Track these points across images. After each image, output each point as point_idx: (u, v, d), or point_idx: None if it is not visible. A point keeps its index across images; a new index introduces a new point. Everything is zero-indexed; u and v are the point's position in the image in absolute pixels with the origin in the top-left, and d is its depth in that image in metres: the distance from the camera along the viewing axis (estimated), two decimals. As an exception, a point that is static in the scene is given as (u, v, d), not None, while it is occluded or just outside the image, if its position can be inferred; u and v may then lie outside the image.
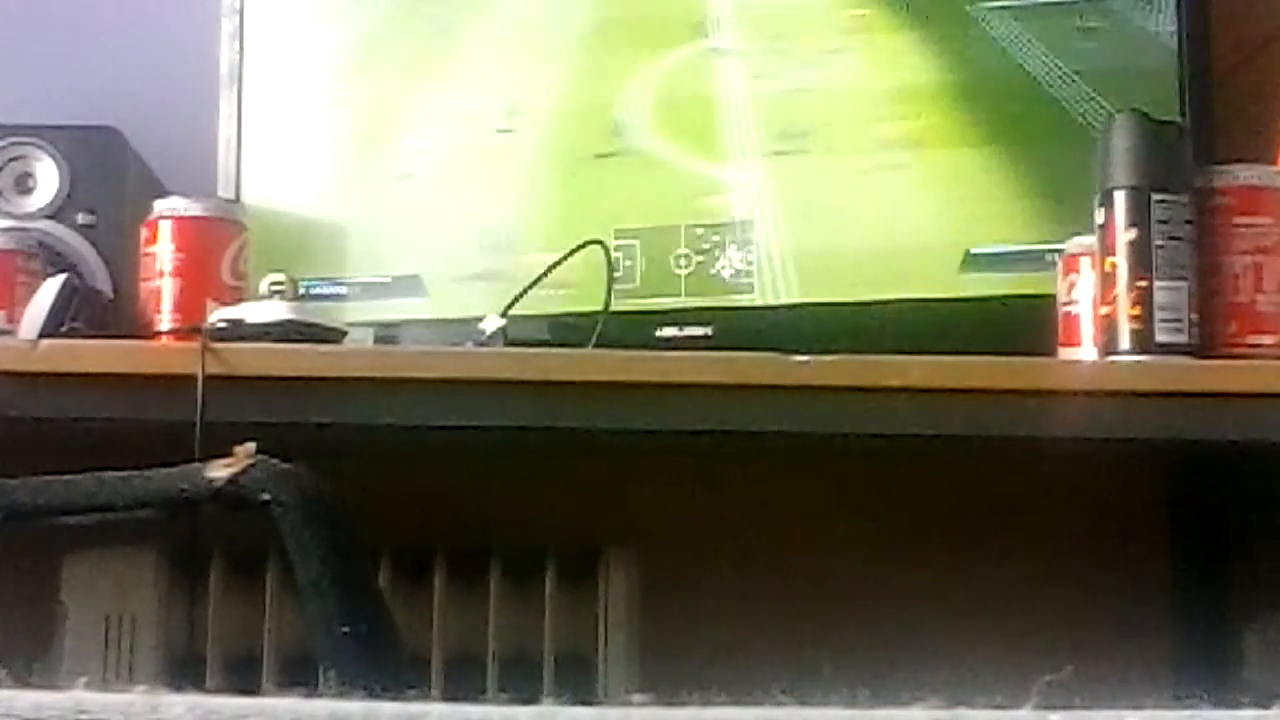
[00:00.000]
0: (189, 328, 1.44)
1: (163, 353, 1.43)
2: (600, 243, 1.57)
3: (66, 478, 1.04)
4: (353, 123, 1.75)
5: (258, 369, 1.34)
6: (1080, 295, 1.47)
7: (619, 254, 1.63)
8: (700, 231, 1.65)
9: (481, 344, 1.49)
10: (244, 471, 0.97)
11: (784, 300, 1.63)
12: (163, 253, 1.52)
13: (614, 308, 1.56)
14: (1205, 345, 1.39)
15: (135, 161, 1.68)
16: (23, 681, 0.49)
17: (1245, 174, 1.44)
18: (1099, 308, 1.43)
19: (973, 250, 1.61)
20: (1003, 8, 1.63)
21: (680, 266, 1.65)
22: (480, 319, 1.51)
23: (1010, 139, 1.62)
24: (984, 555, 1.83)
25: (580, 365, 1.37)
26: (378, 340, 1.66)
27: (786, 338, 1.43)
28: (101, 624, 1.59)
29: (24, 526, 1.08)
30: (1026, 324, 1.51)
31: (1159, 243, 1.39)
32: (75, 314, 1.42)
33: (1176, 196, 1.40)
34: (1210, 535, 1.83)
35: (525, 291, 1.53)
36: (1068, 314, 1.48)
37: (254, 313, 1.42)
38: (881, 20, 1.66)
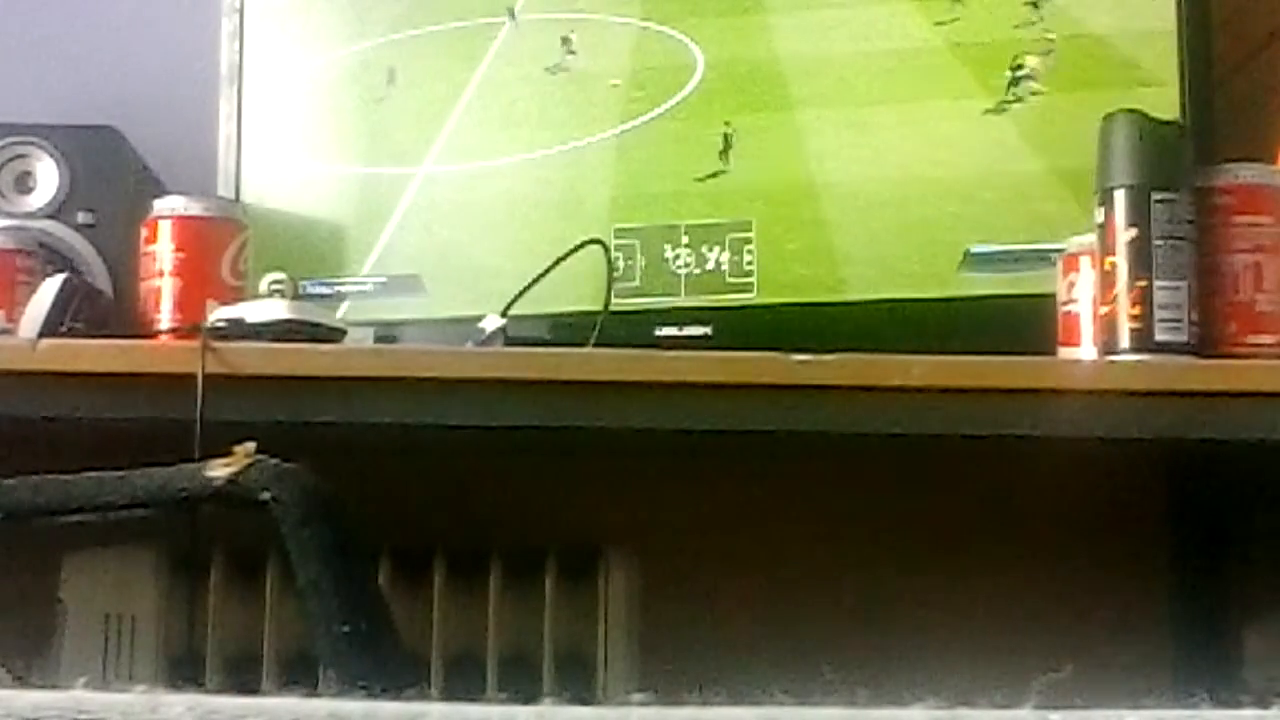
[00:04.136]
0: (189, 327, 1.44)
1: (163, 352, 1.43)
2: (600, 242, 1.57)
3: (66, 478, 1.04)
4: (353, 122, 1.75)
5: (258, 368, 1.34)
6: (1080, 295, 1.47)
7: (619, 253, 1.63)
8: (700, 231, 1.65)
9: (481, 344, 1.49)
10: (244, 471, 0.97)
11: (784, 300, 1.63)
12: (162, 252, 1.52)
13: (614, 307, 1.56)
14: (1205, 345, 1.39)
15: (135, 161, 1.68)
16: (23, 681, 0.49)
17: (1245, 173, 1.44)
18: (1099, 307, 1.43)
19: (973, 250, 1.61)
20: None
21: (680, 266, 1.65)
22: (480, 319, 1.51)
23: (1011, 137, 1.62)
24: (984, 554, 1.83)
25: (580, 365, 1.37)
26: (378, 340, 1.66)
27: (786, 337, 1.43)
28: (101, 624, 1.59)
29: (24, 526, 1.07)
30: (1026, 324, 1.51)
31: (1159, 242, 1.39)
32: (75, 314, 1.42)
33: (1176, 196, 1.40)
34: (1210, 535, 1.83)
35: (525, 291, 1.53)
36: (1068, 314, 1.48)
37: (254, 312, 1.42)
38: (883, 16, 1.67)
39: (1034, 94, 1.62)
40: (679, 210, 1.66)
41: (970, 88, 1.64)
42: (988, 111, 1.63)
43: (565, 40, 1.72)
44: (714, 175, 1.66)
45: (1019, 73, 1.62)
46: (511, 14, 1.73)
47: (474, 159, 1.71)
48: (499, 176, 1.70)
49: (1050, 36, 1.63)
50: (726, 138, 1.66)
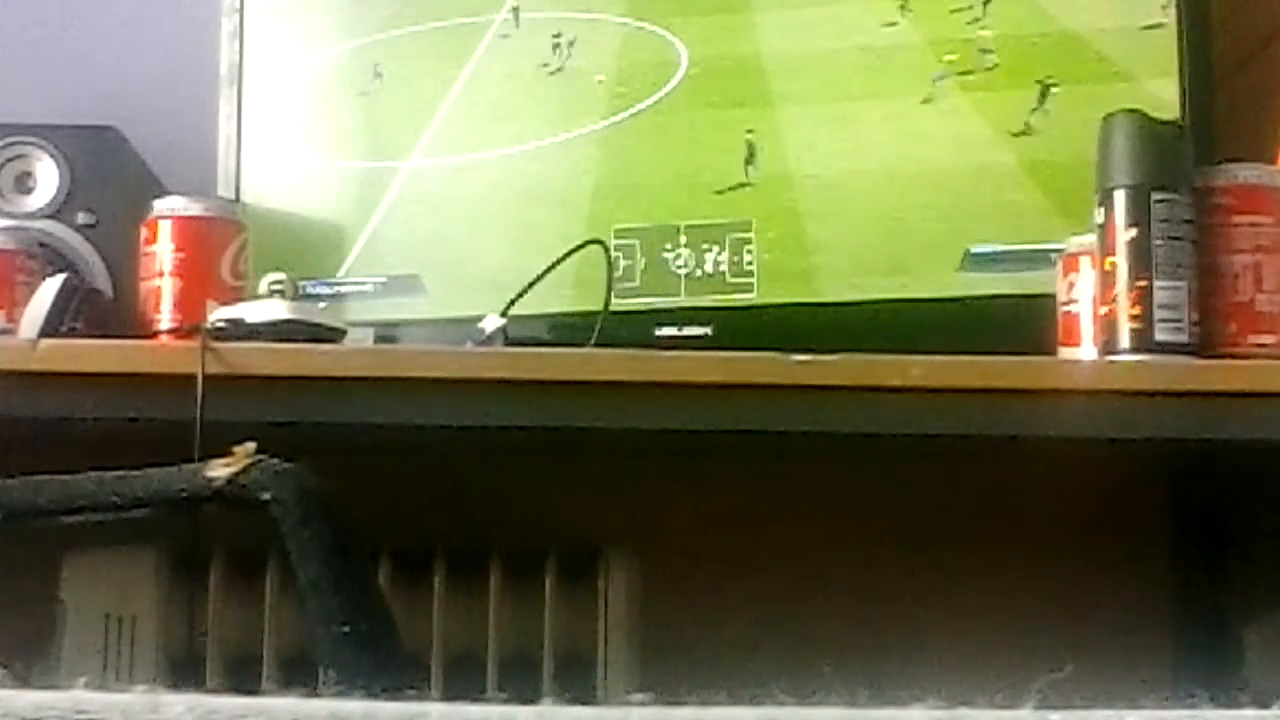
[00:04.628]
0: (189, 327, 1.44)
1: (163, 352, 1.43)
2: (600, 242, 1.57)
3: (66, 478, 1.04)
4: (352, 122, 1.75)
5: (258, 368, 1.34)
6: (1080, 295, 1.47)
7: (619, 253, 1.63)
8: (700, 231, 1.65)
9: (481, 344, 1.49)
10: (244, 471, 0.97)
11: (784, 300, 1.63)
12: (162, 252, 1.52)
13: (614, 307, 1.56)
14: (1205, 345, 1.39)
15: (135, 161, 1.68)
16: (23, 681, 0.49)
17: (1245, 173, 1.44)
18: (1099, 307, 1.43)
19: (973, 250, 1.61)
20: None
21: (680, 266, 1.65)
22: (480, 319, 1.51)
23: (1010, 138, 1.62)
24: (984, 555, 1.83)
25: (580, 365, 1.37)
26: (378, 340, 1.66)
27: (786, 337, 1.43)
28: (101, 624, 1.59)
29: (24, 526, 1.07)
30: (1026, 324, 1.51)
31: (1159, 242, 1.39)
32: (75, 314, 1.42)
33: (1176, 196, 1.40)
34: (1210, 535, 1.83)
35: (525, 291, 1.53)
36: (1068, 314, 1.48)
37: (254, 312, 1.42)
38: (886, 24, 1.67)
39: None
40: (679, 210, 1.66)
41: (966, 84, 1.64)
42: (985, 108, 1.63)
43: (557, 39, 1.72)
44: (739, 187, 1.65)
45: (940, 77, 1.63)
46: (516, 13, 1.73)
47: (478, 153, 1.71)
48: (500, 173, 1.70)
49: (1039, 34, 1.63)
50: (750, 145, 1.65)
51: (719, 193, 1.66)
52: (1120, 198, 1.41)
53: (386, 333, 1.67)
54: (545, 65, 1.72)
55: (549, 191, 1.69)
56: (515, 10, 1.73)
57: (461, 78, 1.73)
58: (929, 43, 1.66)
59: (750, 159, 1.65)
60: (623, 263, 1.64)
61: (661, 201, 1.67)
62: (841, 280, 1.62)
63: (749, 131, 1.66)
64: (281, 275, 1.45)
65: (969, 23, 1.65)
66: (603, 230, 1.61)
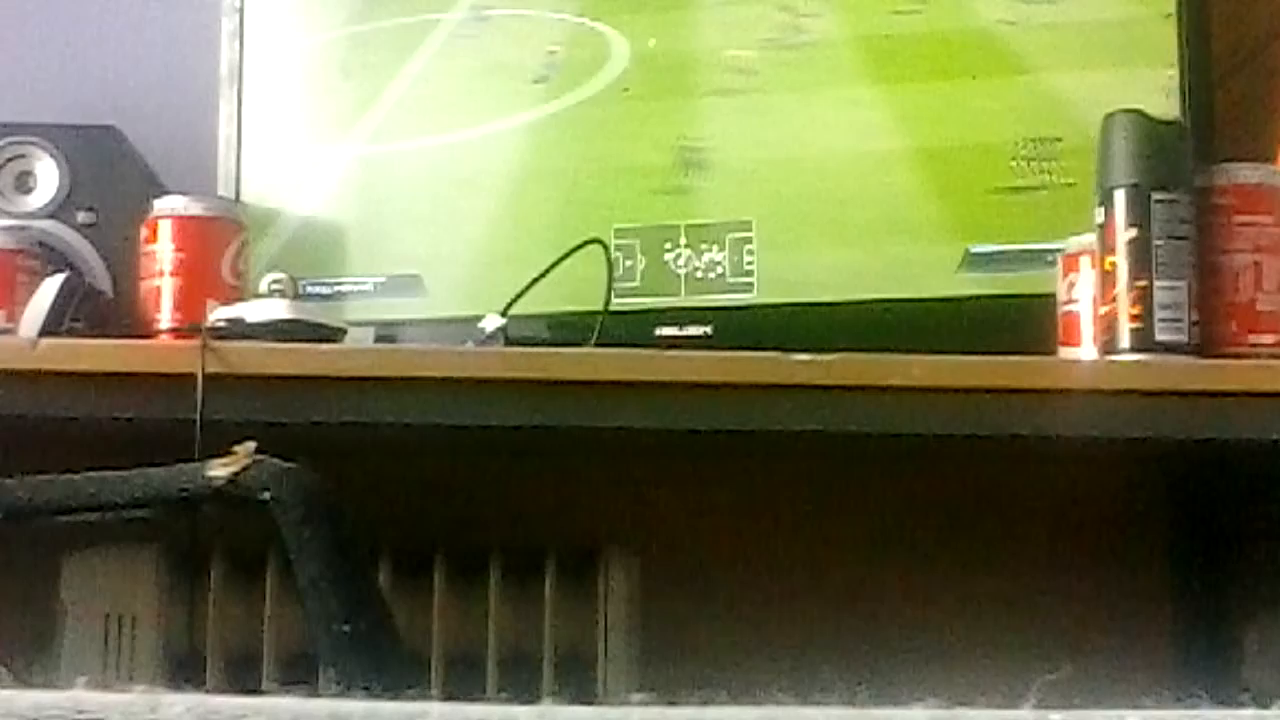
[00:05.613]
0: (189, 326, 1.44)
1: (163, 352, 1.43)
2: (600, 242, 1.57)
3: (66, 478, 1.04)
4: (353, 122, 1.75)
5: (258, 368, 1.34)
6: (1080, 295, 1.47)
7: (619, 253, 1.63)
8: (700, 230, 1.65)
9: (481, 344, 1.49)
10: (244, 470, 0.97)
11: (784, 299, 1.63)
12: (162, 252, 1.52)
13: (614, 307, 1.56)
14: (1205, 345, 1.39)
15: (135, 161, 1.68)
16: (23, 681, 0.49)
17: (1245, 173, 1.44)
18: (1099, 307, 1.43)
19: (973, 250, 1.61)
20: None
21: (680, 265, 1.65)
22: (480, 319, 1.51)
23: (1009, 138, 1.62)
24: (983, 555, 1.83)
25: (580, 365, 1.37)
26: (378, 340, 1.66)
27: (786, 337, 1.43)
28: (101, 624, 1.59)
29: (24, 526, 1.07)
30: (1026, 324, 1.51)
31: (1159, 242, 1.39)
32: (75, 313, 1.42)
33: (1176, 196, 1.40)
34: (1210, 535, 1.83)
35: (525, 291, 1.53)
36: (1068, 313, 1.48)
37: (254, 311, 1.42)
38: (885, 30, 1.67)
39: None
40: (679, 210, 1.66)
41: (965, 69, 1.64)
42: (986, 103, 1.63)
43: (552, 51, 1.72)
44: (735, 183, 1.65)
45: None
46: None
47: (474, 157, 1.71)
48: (499, 174, 1.70)
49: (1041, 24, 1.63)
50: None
51: (719, 191, 1.66)
52: (1120, 197, 1.41)
53: (386, 333, 1.67)
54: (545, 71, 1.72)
55: (549, 189, 1.69)
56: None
57: (462, 79, 1.73)
58: (934, 32, 1.66)
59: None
60: (623, 262, 1.64)
61: (662, 200, 1.67)
62: (841, 280, 1.62)
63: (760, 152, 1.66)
64: (281, 275, 1.45)
65: (896, 12, 1.65)
66: (603, 230, 1.61)
